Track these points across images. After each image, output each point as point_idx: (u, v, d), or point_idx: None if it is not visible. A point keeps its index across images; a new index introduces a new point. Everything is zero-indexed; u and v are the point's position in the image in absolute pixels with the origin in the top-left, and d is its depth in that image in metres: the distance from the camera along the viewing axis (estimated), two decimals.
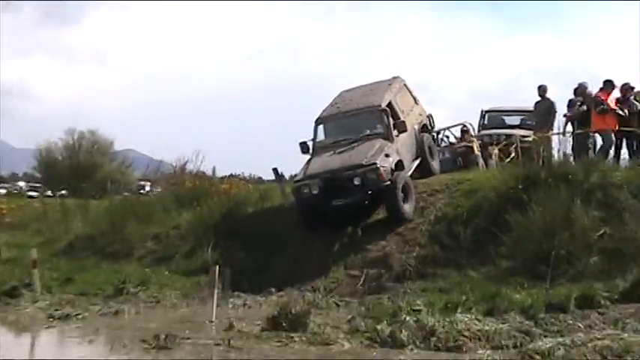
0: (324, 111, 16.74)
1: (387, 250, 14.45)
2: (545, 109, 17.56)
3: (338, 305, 12.99)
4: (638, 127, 15.85)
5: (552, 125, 17.35)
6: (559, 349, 9.41)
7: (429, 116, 18.14)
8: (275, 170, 17.34)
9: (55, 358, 10.83)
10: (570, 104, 17.10)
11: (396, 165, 15.07)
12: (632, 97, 16.06)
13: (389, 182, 14.51)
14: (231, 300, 13.39)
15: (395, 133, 15.60)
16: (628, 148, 16.29)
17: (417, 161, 16.62)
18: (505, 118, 21.46)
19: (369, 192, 14.69)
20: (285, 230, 15.87)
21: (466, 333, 10.22)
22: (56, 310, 13.63)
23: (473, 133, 20.47)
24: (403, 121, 15.75)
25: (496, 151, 18.84)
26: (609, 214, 13.30)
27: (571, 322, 10.57)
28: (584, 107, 16.55)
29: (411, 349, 9.97)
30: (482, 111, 22.03)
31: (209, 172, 24.41)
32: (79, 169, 37.14)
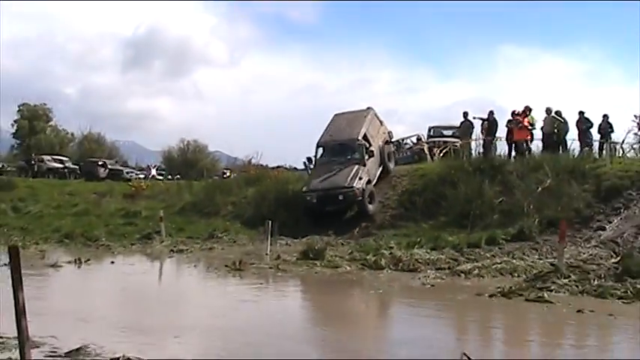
0: (322, 137, 15.93)
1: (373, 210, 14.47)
2: (466, 126, 17.23)
3: (343, 244, 13.06)
4: (531, 138, 15.63)
5: (471, 135, 17.12)
6: (475, 269, 9.71)
7: (389, 132, 17.44)
8: (308, 159, 16.17)
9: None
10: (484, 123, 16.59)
11: (367, 182, 14.65)
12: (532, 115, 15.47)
13: (360, 198, 14.29)
14: (278, 241, 13.41)
15: (367, 157, 15.04)
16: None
17: (381, 168, 15.82)
18: (443, 131, 20.93)
19: (349, 202, 14.45)
20: None
21: (420, 260, 10.44)
22: (174, 247, 13.85)
23: (423, 140, 20.34)
24: (372, 150, 15.21)
25: (438, 151, 18.76)
26: (505, 189, 13.29)
27: (482, 253, 10.79)
28: (490, 124, 16.09)
29: (387, 271, 10.19)
30: (429, 127, 21.70)
31: (265, 164, 24.95)
32: (187, 163, 37.14)
